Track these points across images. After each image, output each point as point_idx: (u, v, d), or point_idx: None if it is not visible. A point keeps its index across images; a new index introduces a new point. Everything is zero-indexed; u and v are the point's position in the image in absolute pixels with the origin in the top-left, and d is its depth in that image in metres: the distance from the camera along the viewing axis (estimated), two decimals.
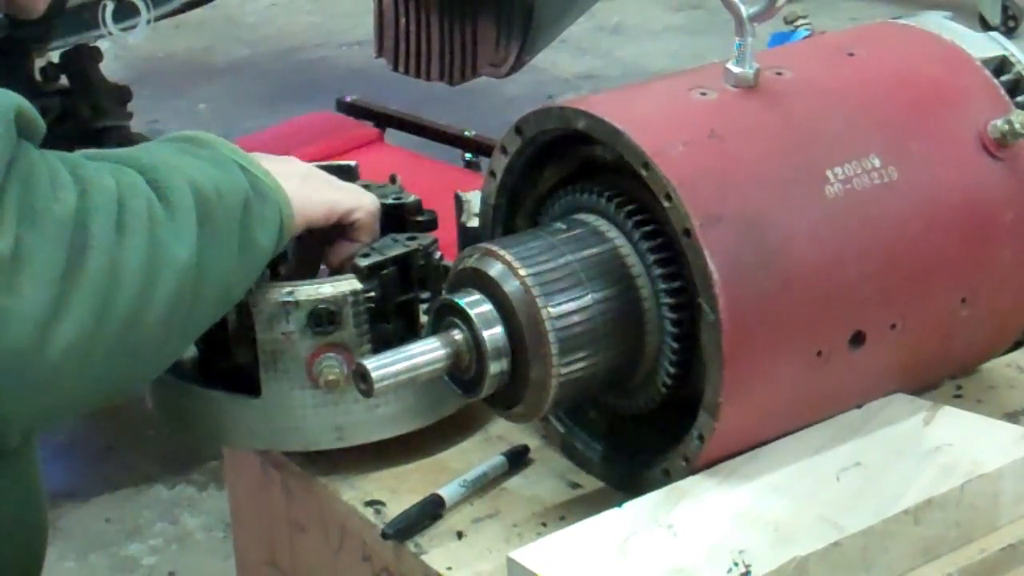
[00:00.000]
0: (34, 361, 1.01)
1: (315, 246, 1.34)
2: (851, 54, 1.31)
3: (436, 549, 1.22)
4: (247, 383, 1.30)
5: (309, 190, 1.27)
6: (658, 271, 1.19)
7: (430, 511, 1.25)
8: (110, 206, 1.06)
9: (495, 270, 1.18)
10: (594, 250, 1.20)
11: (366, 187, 1.40)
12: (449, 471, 1.31)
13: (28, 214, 1.01)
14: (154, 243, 1.08)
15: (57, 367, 1.02)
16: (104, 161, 1.13)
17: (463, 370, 1.19)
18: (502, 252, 1.18)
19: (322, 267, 1.36)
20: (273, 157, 1.27)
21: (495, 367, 1.17)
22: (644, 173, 1.15)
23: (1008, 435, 1.23)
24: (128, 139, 3.08)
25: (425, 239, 1.35)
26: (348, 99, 3.75)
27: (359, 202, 1.31)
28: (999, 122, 1.26)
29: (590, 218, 1.23)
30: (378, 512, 1.27)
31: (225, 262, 1.16)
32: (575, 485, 1.29)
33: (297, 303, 1.25)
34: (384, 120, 3.72)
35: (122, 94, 3.18)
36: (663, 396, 1.23)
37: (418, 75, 3.75)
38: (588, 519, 1.15)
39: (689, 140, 1.17)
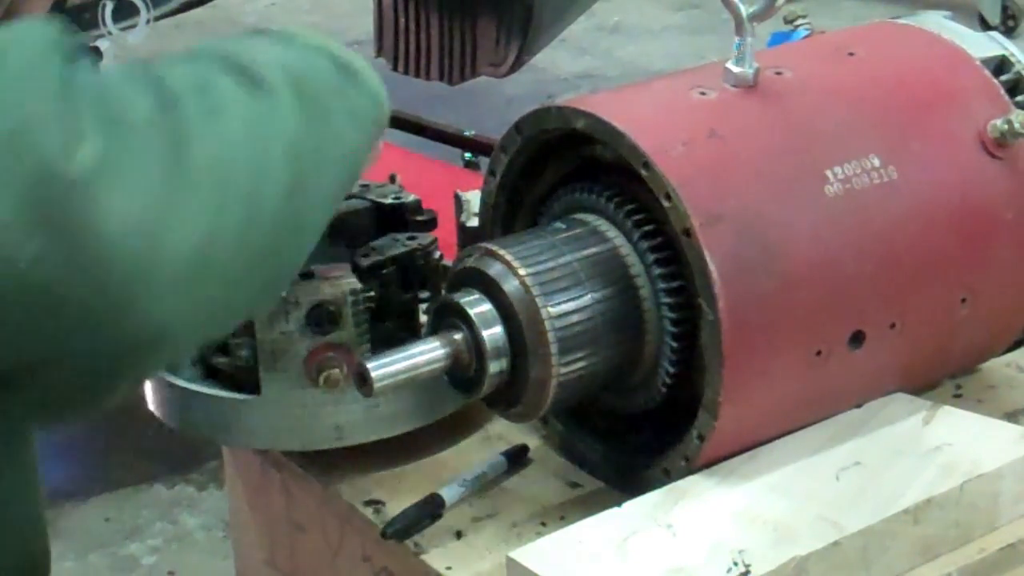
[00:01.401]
0: (156, 272, 0.92)
1: None
2: (851, 54, 1.31)
3: (435, 549, 1.22)
4: (247, 382, 1.30)
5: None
6: (658, 271, 1.19)
7: (430, 511, 1.25)
8: (190, 94, 0.97)
9: (495, 270, 1.18)
10: (594, 250, 1.20)
11: (364, 187, 1.40)
12: (449, 471, 1.31)
13: (106, 127, 0.92)
14: (253, 119, 0.99)
15: (181, 273, 0.93)
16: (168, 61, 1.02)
17: (463, 370, 1.19)
18: (502, 252, 1.18)
19: (322, 267, 1.35)
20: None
21: (495, 367, 1.17)
22: (644, 173, 1.15)
23: (1008, 435, 1.23)
24: None
25: (425, 239, 1.35)
26: None
27: None
28: (999, 122, 1.26)
29: (590, 218, 1.23)
30: (378, 512, 1.27)
31: (338, 133, 1.06)
32: (575, 485, 1.29)
33: (297, 302, 1.25)
34: None
35: None
36: (663, 396, 1.23)
37: (418, 75, 3.75)
38: (588, 519, 1.15)
39: (689, 140, 1.17)
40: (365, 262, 1.29)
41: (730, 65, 1.23)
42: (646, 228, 1.19)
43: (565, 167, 1.30)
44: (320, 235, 1.08)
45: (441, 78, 3.72)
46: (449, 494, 1.26)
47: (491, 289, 1.18)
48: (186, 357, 1.01)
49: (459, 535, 1.23)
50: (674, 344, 1.19)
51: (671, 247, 1.18)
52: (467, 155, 3.60)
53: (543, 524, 1.24)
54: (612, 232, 1.21)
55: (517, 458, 1.32)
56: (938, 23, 1.37)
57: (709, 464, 1.19)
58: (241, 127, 0.98)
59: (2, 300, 0.89)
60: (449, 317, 1.19)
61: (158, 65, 1.01)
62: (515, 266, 1.17)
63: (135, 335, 0.92)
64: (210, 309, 0.97)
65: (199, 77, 0.99)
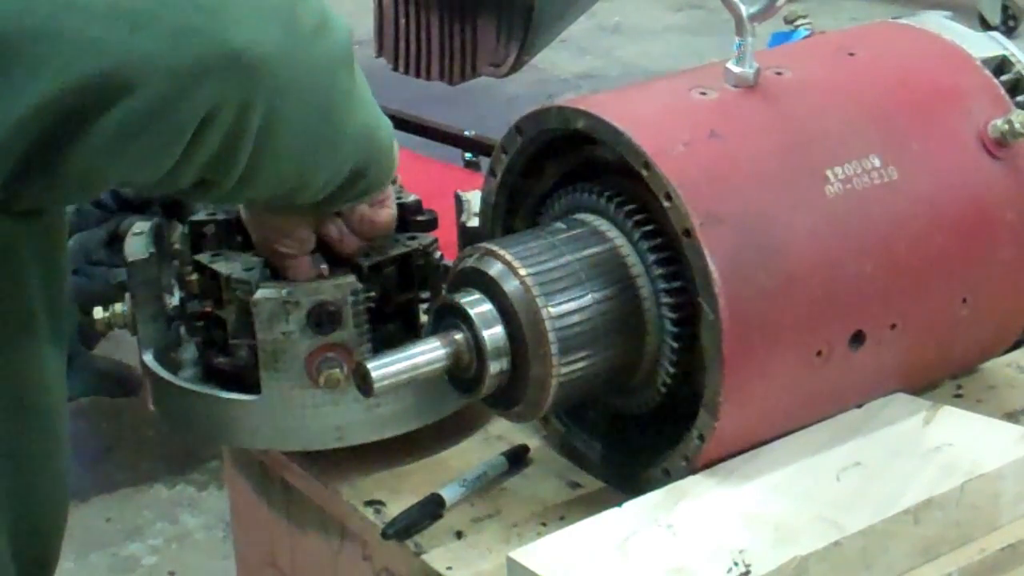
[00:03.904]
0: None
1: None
2: (851, 54, 1.31)
3: (436, 549, 1.22)
4: (247, 383, 1.30)
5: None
6: (658, 271, 1.19)
7: (430, 511, 1.25)
8: None
9: (495, 270, 1.18)
10: (594, 250, 1.20)
11: None
12: (449, 471, 1.31)
13: None
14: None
15: (278, 14, 1.01)
16: None
17: (463, 370, 1.19)
18: (502, 252, 1.18)
19: (322, 267, 1.35)
20: None
21: (495, 367, 1.17)
22: (644, 173, 1.15)
23: (1008, 435, 1.23)
24: None
25: (425, 239, 1.35)
26: None
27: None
28: (999, 122, 1.26)
29: (590, 218, 1.23)
30: (378, 512, 1.27)
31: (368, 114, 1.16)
32: (575, 485, 1.29)
33: (297, 303, 1.25)
34: None
35: None
36: (663, 396, 1.23)
37: (418, 75, 3.76)
38: (588, 519, 1.15)
39: (689, 140, 1.17)
40: (365, 262, 1.29)
41: (730, 65, 1.23)
42: (646, 228, 1.19)
43: (565, 167, 1.30)
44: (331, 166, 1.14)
45: (441, 78, 3.72)
46: (449, 494, 1.26)
47: (491, 289, 1.18)
48: (244, 128, 1.03)
49: (460, 535, 1.23)
50: (674, 344, 1.19)
51: (671, 247, 1.18)
52: (467, 155, 3.61)
53: (543, 524, 1.24)
54: (612, 232, 1.21)
55: (517, 458, 1.32)
56: (938, 23, 1.37)
57: (709, 464, 1.19)
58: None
59: (113, 6, 0.93)
60: (449, 317, 1.19)
61: None
62: (515, 266, 1.17)
63: (218, 46, 0.97)
64: (285, 77, 1.02)
65: None
